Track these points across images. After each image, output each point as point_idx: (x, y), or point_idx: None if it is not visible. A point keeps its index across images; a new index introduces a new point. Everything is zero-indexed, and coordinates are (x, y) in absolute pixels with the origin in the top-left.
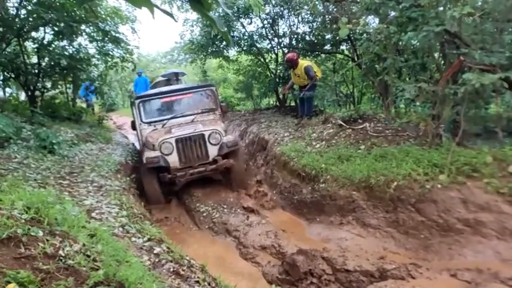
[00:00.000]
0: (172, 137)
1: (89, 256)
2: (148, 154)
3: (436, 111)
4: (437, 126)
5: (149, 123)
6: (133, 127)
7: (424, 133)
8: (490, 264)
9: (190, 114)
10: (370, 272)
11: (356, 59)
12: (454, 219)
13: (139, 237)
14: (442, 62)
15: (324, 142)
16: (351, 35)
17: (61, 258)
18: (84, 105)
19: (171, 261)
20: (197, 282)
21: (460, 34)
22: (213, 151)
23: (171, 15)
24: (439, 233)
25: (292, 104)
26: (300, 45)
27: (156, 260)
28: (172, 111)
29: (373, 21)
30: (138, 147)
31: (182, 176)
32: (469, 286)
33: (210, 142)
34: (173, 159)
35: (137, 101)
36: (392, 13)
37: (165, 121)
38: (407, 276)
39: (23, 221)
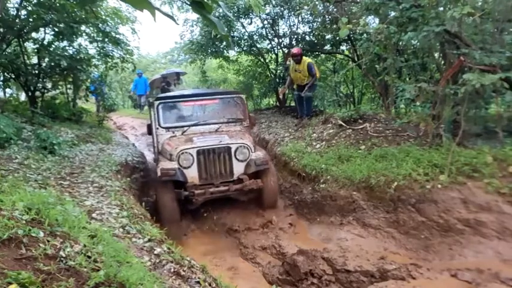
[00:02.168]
0: (193, 148)
1: (89, 257)
2: (164, 164)
3: (436, 111)
4: (438, 127)
5: (168, 128)
6: (149, 131)
7: (425, 133)
8: (491, 265)
9: (215, 123)
10: (371, 272)
11: (356, 59)
12: (454, 219)
13: (139, 238)
14: (442, 62)
15: (324, 142)
16: (351, 35)
17: (62, 259)
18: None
19: (172, 262)
20: (198, 282)
21: (460, 34)
22: (238, 168)
23: (172, 18)
24: (440, 233)
25: (292, 104)
26: (300, 45)
27: (157, 261)
28: (195, 117)
29: (373, 21)
30: (141, 150)
31: (201, 195)
32: (469, 286)
33: (236, 157)
34: (192, 174)
35: (156, 103)
36: (393, 13)
37: (186, 128)
38: (408, 276)
39: (24, 221)
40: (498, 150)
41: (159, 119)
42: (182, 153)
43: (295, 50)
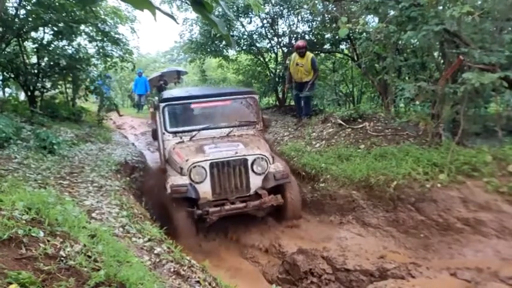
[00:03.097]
0: (206, 160)
1: (89, 256)
2: (174, 180)
3: (436, 111)
4: (437, 126)
5: (175, 133)
6: (154, 136)
7: (424, 132)
8: (490, 263)
9: (226, 127)
10: (370, 272)
11: (356, 58)
12: (453, 218)
13: (139, 238)
14: (442, 61)
15: (323, 141)
16: (351, 35)
17: (62, 258)
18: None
19: (172, 261)
20: (198, 282)
21: (460, 33)
22: (255, 182)
23: (173, 17)
24: (439, 232)
25: (292, 103)
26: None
27: (157, 260)
28: (204, 120)
29: (372, 20)
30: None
31: (215, 213)
32: (468, 285)
33: (253, 170)
34: (205, 189)
35: (162, 105)
36: (392, 12)
37: (195, 132)
38: (407, 275)
39: (24, 221)
40: (497, 149)
41: (165, 123)
42: (194, 166)
43: (300, 43)
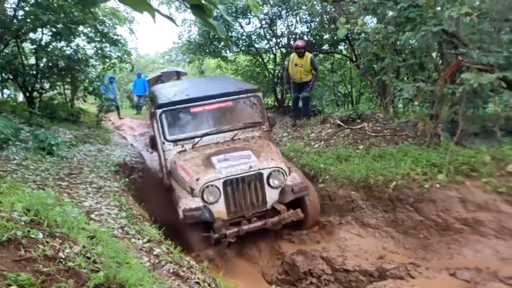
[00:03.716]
0: (219, 179)
1: (89, 258)
2: (186, 203)
3: (435, 111)
4: (436, 126)
5: (175, 141)
6: (153, 145)
7: (423, 133)
8: (489, 263)
9: (230, 130)
10: (370, 272)
11: (354, 59)
12: (452, 218)
13: (139, 239)
14: (440, 61)
15: (322, 142)
16: (349, 35)
17: (61, 260)
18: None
19: (171, 262)
20: (197, 283)
21: (458, 34)
22: (272, 196)
23: (172, 19)
24: (438, 233)
25: (291, 104)
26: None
27: (156, 261)
28: (206, 124)
29: (371, 21)
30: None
31: (233, 235)
32: (468, 285)
33: (269, 184)
34: (219, 209)
35: (159, 111)
36: (390, 13)
37: (198, 139)
38: (407, 275)
39: (23, 223)
40: (496, 149)
41: (163, 131)
42: (207, 186)
43: (299, 43)
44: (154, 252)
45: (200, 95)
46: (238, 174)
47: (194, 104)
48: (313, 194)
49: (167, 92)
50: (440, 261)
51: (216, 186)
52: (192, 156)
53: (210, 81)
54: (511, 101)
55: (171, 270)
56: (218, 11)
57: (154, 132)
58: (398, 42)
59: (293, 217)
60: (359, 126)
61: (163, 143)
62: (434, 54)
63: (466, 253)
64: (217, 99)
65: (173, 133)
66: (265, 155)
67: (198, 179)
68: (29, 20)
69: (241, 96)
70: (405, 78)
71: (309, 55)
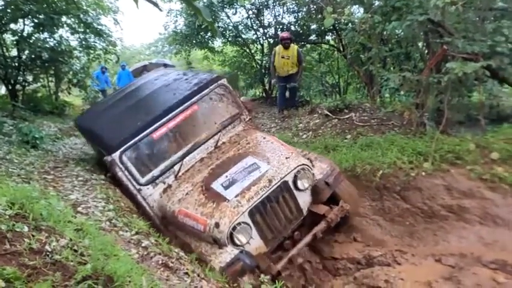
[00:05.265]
0: (242, 213)
1: (76, 251)
2: (216, 260)
3: (420, 100)
4: (422, 115)
5: (153, 181)
6: (129, 195)
7: (409, 122)
8: (473, 249)
9: (209, 138)
10: (357, 260)
11: (341, 49)
12: (438, 206)
13: (126, 231)
14: (426, 51)
15: (310, 132)
16: (336, 25)
17: (48, 253)
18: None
19: (160, 254)
20: (186, 274)
21: (444, 23)
22: (305, 199)
23: (156, 4)
24: (424, 220)
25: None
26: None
27: (145, 253)
28: (178, 144)
29: (358, 11)
30: None
31: (286, 265)
32: (453, 270)
33: (298, 188)
34: (256, 245)
35: (116, 156)
36: (377, 3)
37: (177, 167)
38: (394, 262)
39: (7, 217)
40: (480, 137)
41: (133, 176)
42: (233, 228)
43: (284, 34)
44: (143, 244)
45: (155, 114)
46: (261, 195)
47: (153, 127)
48: (347, 184)
49: (108, 127)
50: (426, 247)
51: (243, 222)
52: (186, 193)
53: (153, 90)
54: (495, 89)
55: (160, 262)
56: (203, 0)
57: (123, 183)
58: (384, 32)
59: (342, 214)
60: (346, 116)
61: (140, 190)
62: (420, 44)
63: (451, 239)
64: (178, 110)
65: (145, 172)
66: (273, 155)
67: (217, 225)
68: (9, 11)
69: (205, 93)
70: (392, 68)
71: (295, 47)
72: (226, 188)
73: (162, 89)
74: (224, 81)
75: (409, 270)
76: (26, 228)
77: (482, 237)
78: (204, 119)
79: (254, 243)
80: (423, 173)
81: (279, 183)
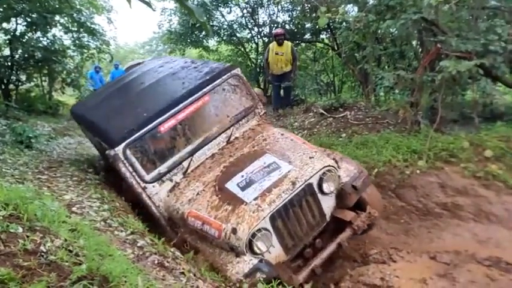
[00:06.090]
0: (263, 218)
1: (71, 251)
2: (233, 270)
3: (415, 99)
4: (416, 113)
5: (159, 178)
6: (127, 197)
7: (403, 120)
8: (467, 246)
9: (221, 133)
10: (353, 257)
11: (336, 47)
12: (432, 203)
13: (122, 231)
14: (420, 49)
15: (305, 131)
16: (331, 24)
17: (42, 254)
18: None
19: (155, 254)
20: (182, 273)
21: (437, 22)
22: (329, 204)
23: (148, 4)
24: (419, 217)
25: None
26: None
27: (140, 253)
28: (187, 138)
29: (352, 9)
30: None
31: (308, 274)
32: (447, 268)
33: (322, 192)
34: (276, 253)
35: (120, 150)
36: (371, 1)
37: (186, 163)
38: (389, 260)
39: (1, 217)
40: (474, 135)
41: (138, 173)
42: (253, 235)
43: (278, 30)
44: (138, 244)
45: (163, 105)
46: (284, 199)
47: (161, 119)
48: (373, 187)
49: (111, 117)
50: (421, 245)
51: (263, 229)
52: (196, 193)
53: (159, 78)
54: (488, 87)
55: (156, 261)
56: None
57: (126, 180)
58: (379, 31)
59: (369, 221)
60: (341, 115)
61: (145, 188)
62: (414, 43)
63: (446, 237)
64: (188, 101)
65: (151, 169)
66: (294, 154)
67: (234, 231)
68: (1, 9)
69: (217, 82)
70: (386, 67)
71: (289, 43)
72: (243, 189)
73: (168, 77)
74: (238, 70)
75: (404, 267)
76: (20, 229)
77: (477, 235)
78: (216, 112)
79: (274, 252)
80: (418, 171)
81: (303, 186)
